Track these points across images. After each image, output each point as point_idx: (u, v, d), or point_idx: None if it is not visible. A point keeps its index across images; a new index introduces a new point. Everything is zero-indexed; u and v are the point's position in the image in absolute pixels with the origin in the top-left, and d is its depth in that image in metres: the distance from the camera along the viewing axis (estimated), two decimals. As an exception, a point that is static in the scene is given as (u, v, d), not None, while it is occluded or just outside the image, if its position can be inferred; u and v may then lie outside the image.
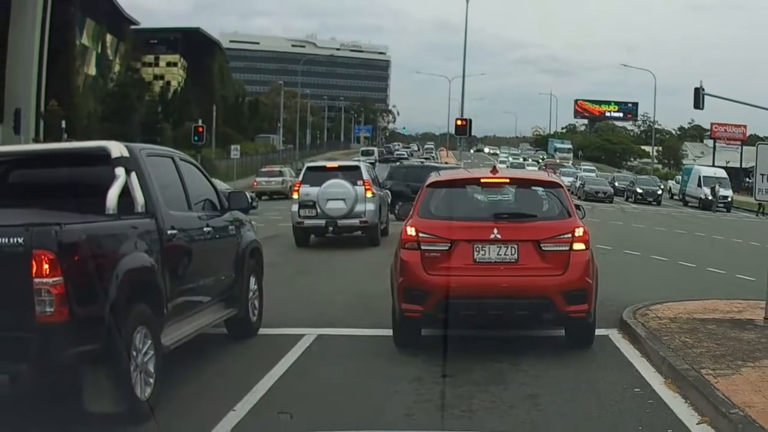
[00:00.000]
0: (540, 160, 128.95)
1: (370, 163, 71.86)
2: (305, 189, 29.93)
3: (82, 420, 8.87)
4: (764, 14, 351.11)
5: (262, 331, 14.49)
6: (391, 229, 32.41)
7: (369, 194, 29.99)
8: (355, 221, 29.82)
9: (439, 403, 10.64)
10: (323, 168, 32.40)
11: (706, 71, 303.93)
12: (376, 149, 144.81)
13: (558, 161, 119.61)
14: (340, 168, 32.23)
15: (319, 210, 29.21)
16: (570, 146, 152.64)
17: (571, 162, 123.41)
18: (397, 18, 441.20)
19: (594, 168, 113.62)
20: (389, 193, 37.71)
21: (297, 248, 29.63)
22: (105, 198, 10.39)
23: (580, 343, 13.57)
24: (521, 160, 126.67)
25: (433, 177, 15.17)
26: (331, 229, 29.72)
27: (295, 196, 30.51)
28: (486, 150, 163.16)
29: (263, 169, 77.17)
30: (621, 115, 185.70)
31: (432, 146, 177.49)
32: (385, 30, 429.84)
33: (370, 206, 29.94)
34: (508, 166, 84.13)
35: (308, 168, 32.57)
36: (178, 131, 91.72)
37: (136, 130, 79.37)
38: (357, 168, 32.00)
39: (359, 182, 30.06)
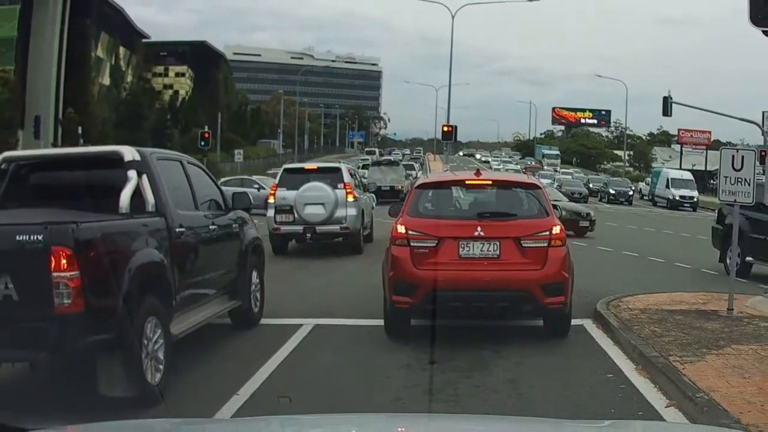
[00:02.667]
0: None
1: (365, 164, 71.53)
2: (282, 193, 26.07)
3: (96, 403, 8.87)
4: (723, 29, 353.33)
5: (264, 321, 14.48)
6: (376, 233, 29.40)
7: (350, 198, 25.99)
8: (335, 227, 25.81)
9: (427, 388, 10.65)
10: (301, 170, 28.44)
11: (674, 81, 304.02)
12: (377, 149, 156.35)
13: (545, 167, 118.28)
14: (320, 170, 28.10)
15: (296, 215, 25.46)
16: (558, 152, 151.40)
17: (558, 167, 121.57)
18: (387, 32, 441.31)
19: (572, 171, 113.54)
20: (374, 196, 34.74)
21: (294, 245, 27.23)
22: (118, 198, 10.42)
23: (557, 333, 13.61)
24: (513, 165, 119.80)
25: (422, 179, 15.28)
26: (308, 236, 25.92)
27: (271, 200, 26.32)
28: (478, 156, 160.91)
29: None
30: (595, 121, 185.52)
31: (420, 150, 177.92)
32: (377, 43, 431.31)
33: (352, 211, 25.93)
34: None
35: (285, 170, 28.43)
36: (186, 137, 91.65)
37: (147, 136, 79.38)
38: (337, 170, 27.81)
39: (339, 185, 26.09)
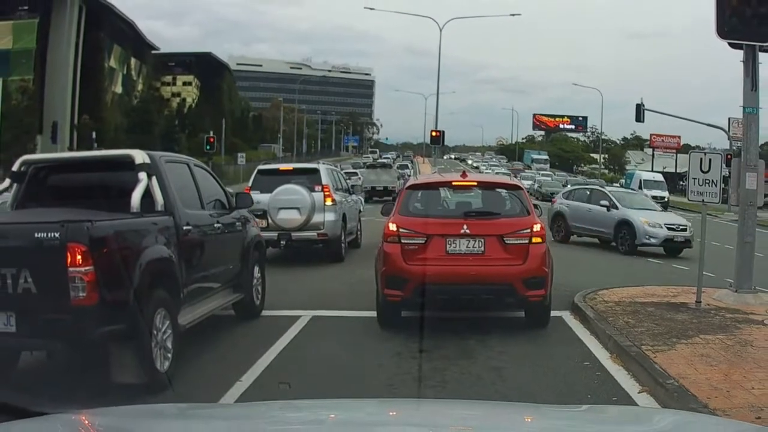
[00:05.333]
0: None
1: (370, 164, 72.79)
2: (255, 196, 19.28)
3: (109, 389, 8.86)
4: (690, 42, 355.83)
5: (265, 313, 14.47)
6: (365, 239, 26.80)
7: (329, 202, 22.45)
8: (312, 234, 22.23)
9: (417, 375, 10.66)
10: (276, 171, 24.33)
11: (646, 89, 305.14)
12: (378, 150, 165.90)
13: (525, 171, 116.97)
14: (296, 171, 24.21)
15: (270, 220, 21.62)
16: (547, 157, 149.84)
17: (551, 173, 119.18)
18: (380, 44, 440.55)
19: (551, 172, 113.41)
20: (361, 199, 31.13)
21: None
22: (130, 198, 10.41)
23: (537, 323, 13.62)
24: (501, 169, 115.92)
25: (412, 180, 15.34)
26: (283, 243, 22.20)
27: None
28: (469, 161, 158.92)
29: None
30: (573, 127, 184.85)
31: (410, 154, 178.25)
32: (370, 54, 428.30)
33: (330, 216, 22.43)
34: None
35: (259, 171, 24.12)
36: (193, 141, 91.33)
37: (156, 141, 79.10)
38: (315, 171, 23.80)
39: (317, 188, 22.50)
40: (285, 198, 21.98)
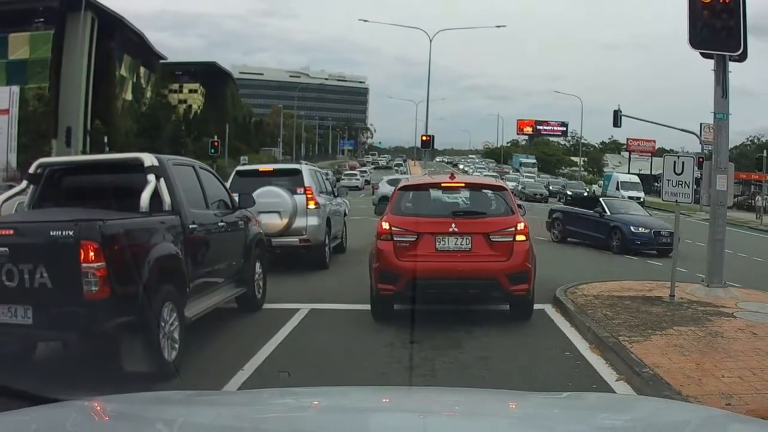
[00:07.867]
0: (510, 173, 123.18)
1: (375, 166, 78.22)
2: None
3: (120, 378, 8.85)
4: (663, 51, 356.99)
5: (266, 306, 14.46)
6: (354, 242, 24.93)
7: (311, 205, 20.02)
8: (294, 239, 19.87)
9: (408, 364, 10.66)
10: (256, 172, 21.40)
11: (623, 96, 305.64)
12: (377, 153, 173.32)
13: (511, 173, 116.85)
14: (276, 172, 21.26)
15: None
16: (534, 161, 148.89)
17: (536, 175, 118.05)
18: (374, 54, 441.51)
19: (534, 174, 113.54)
20: (347, 202, 27.10)
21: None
22: (139, 199, 10.42)
23: (521, 316, 13.62)
24: (489, 171, 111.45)
25: (403, 182, 15.37)
26: None
27: None
28: (461, 166, 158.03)
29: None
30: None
31: (403, 156, 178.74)
32: (364, 63, 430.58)
33: (313, 220, 19.96)
34: None
35: (237, 173, 21.23)
36: (198, 145, 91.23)
37: (164, 144, 79.05)
38: (297, 172, 20.91)
39: (299, 190, 20.04)
40: (265, 201, 18.56)
